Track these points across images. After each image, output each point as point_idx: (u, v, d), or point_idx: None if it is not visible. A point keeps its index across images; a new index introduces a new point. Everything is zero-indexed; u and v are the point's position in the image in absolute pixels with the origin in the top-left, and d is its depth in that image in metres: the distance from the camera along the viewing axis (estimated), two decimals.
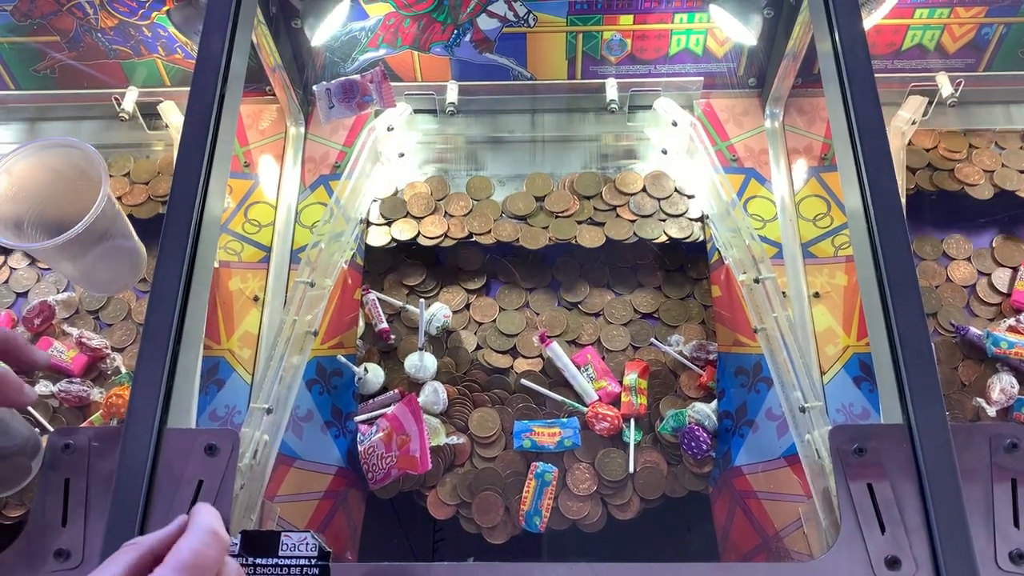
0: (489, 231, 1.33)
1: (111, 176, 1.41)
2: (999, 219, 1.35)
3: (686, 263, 1.35)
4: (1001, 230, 1.35)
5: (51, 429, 1.18)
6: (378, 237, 1.34)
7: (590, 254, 1.34)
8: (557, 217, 1.35)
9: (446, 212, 1.36)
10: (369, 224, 1.35)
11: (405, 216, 1.36)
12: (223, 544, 0.63)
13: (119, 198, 1.40)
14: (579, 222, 1.35)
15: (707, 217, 1.31)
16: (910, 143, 1.34)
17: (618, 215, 1.35)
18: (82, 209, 1.00)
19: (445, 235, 1.34)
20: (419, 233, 1.34)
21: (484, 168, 1.43)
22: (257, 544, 0.70)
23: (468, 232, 1.33)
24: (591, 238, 1.33)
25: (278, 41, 1.29)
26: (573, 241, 1.33)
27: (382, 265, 1.36)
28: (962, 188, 1.34)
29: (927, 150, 1.38)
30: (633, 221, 1.34)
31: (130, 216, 1.36)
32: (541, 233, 1.33)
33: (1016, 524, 0.72)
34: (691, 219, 1.34)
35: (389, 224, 1.35)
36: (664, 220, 1.34)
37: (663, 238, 1.32)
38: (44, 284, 1.34)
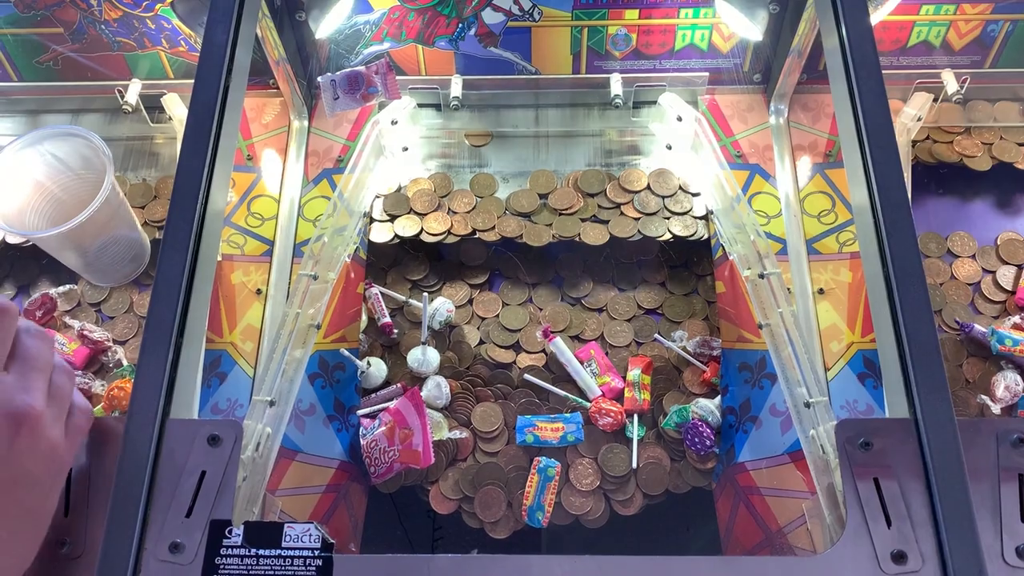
0: (493, 227, 1.33)
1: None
2: (999, 196, 1.38)
3: (690, 259, 1.35)
4: (1001, 205, 1.37)
5: None
6: (381, 233, 1.34)
7: (594, 250, 1.33)
8: (561, 214, 1.34)
9: (449, 208, 1.36)
10: (372, 220, 1.35)
11: (408, 212, 1.35)
12: (50, 340, 0.69)
13: None
14: (583, 219, 1.34)
15: (711, 213, 1.31)
16: None
17: (622, 212, 1.34)
18: (86, 198, 1.00)
19: (448, 232, 1.33)
20: (422, 230, 1.33)
21: (487, 163, 1.43)
22: (260, 535, 0.70)
23: (472, 229, 1.33)
24: (595, 235, 1.32)
25: (282, 34, 1.29)
26: (577, 238, 1.32)
27: (385, 259, 1.36)
28: (960, 160, 1.36)
29: (926, 124, 1.39)
30: (637, 219, 1.33)
31: None
32: (544, 230, 1.33)
33: (1023, 519, 0.72)
34: (696, 216, 1.33)
35: (392, 220, 1.35)
36: (668, 218, 1.33)
37: (667, 236, 1.32)
38: (46, 276, 1.34)
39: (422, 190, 1.37)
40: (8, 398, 0.63)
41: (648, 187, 1.36)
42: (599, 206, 1.35)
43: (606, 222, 1.34)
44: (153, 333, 0.83)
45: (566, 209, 1.35)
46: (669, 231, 1.32)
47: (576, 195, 1.36)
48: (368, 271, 1.34)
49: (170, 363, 0.82)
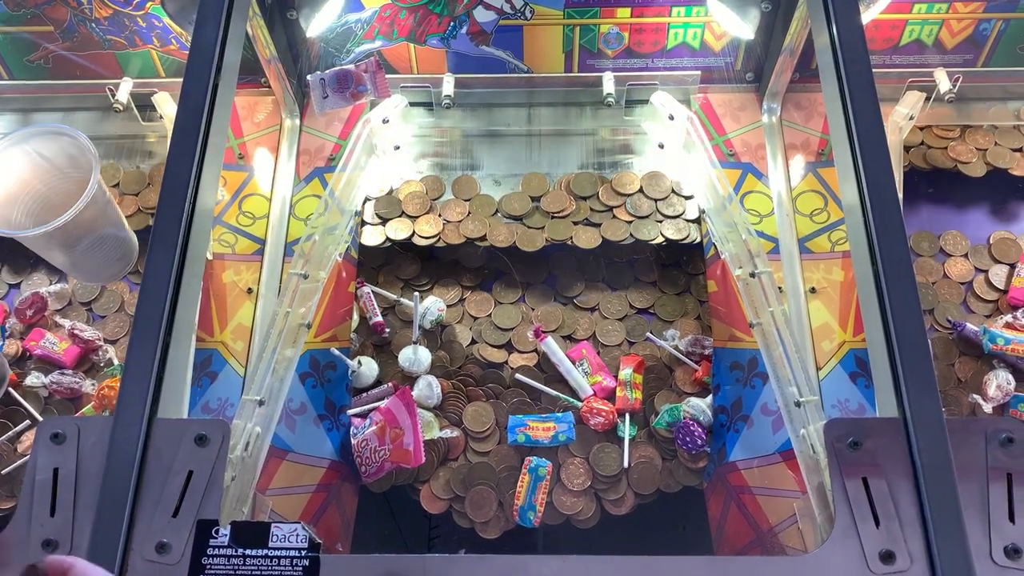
0: (484, 236, 1.32)
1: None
2: (993, 201, 1.37)
3: (682, 258, 1.35)
4: (994, 210, 1.36)
5: (42, 420, 1.17)
6: (373, 236, 1.33)
7: (586, 251, 1.33)
8: (553, 217, 1.34)
9: (441, 214, 1.34)
10: (363, 223, 1.34)
11: (400, 216, 1.35)
12: None
13: None
14: (575, 223, 1.33)
15: (703, 212, 1.31)
16: None
17: (615, 216, 1.34)
18: (73, 197, 1.00)
19: (439, 236, 1.32)
20: (414, 232, 1.33)
21: (480, 164, 1.42)
22: (247, 535, 0.70)
23: (465, 238, 1.32)
24: (587, 239, 1.31)
25: (273, 32, 1.29)
26: (569, 242, 1.32)
27: (377, 258, 1.35)
28: (955, 166, 1.35)
29: (921, 128, 1.38)
30: (630, 222, 1.33)
31: None
32: (538, 235, 1.32)
33: (1011, 519, 0.72)
34: (688, 220, 1.33)
35: (383, 223, 1.34)
36: (661, 221, 1.33)
37: (660, 239, 1.31)
38: (37, 275, 1.33)
39: (413, 193, 1.37)
40: None
41: (641, 190, 1.35)
42: (592, 209, 1.34)
43: (598, 225, 1.33)
44: (140, 332, 0.83)
45: (558, 212, 1.34)
46: (662, 234, 1.31)
47: (568, 198, 1.35)
48: (359, 270, 1.33)
49: (158, 362, 0.82)
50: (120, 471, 0.75)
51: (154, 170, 1.40)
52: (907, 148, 1.35)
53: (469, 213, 1.34)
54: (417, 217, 1.34)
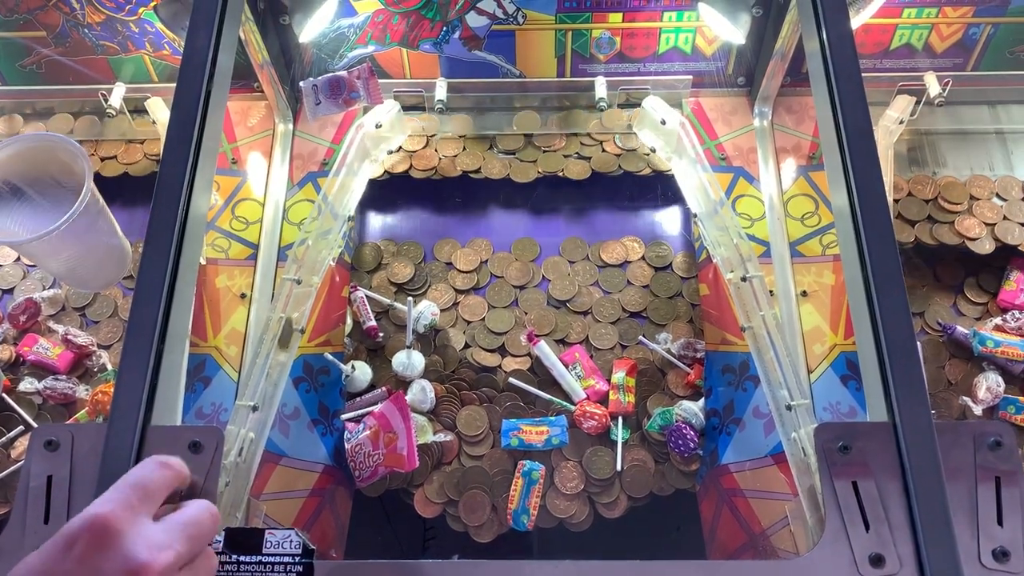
0: (479, 168, 1.40)
1: (98, 157, 1.41)
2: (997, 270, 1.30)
3: (674, 261, 1.35)
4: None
5: (35, 426, 1.17)
6: (372, 169, 1.39)
7: (578, 191, 1.40)
8: (545, 151, 1.41)
9: (437, 149, 1.42)
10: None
11: (398, 150, 1.42)
12: (216, 524, 0.63)
13: (113, 157, 1.42)
14: (566, 156, 1.41)
15: (696, 216, 1.31)
16: (909, 194, 1.33)
17: (604, 150, 1.41)
18: (66, 205, 1.00)
19: (435, 169, 1.39)
20: (411, 166, 1.40)
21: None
22: (241, 542, 0.70)
23: (461, 171, 1.39)
24: (578, 171, 1.39)
25: (266, 37, 1.29)
26: (561, 173, 1.39)
27: (370, 263, 1.36)
28: (962, 242, 1.29)
29: (926, 201, 1.32)
30: (619, 155, 1.40)
31: (124, 175, 1.39)
32: (531, 167, 1.40)
33: (1000, 522, 0.72)
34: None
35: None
36: (648, 154, 1.40)
37: (647, 171, 1.39)
38: (30, 281, 1.33)
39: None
40: (134, 550, 0.55)
41: (630, 126, 1.42)
42: (582, 143, 1.42)
43: (588, 159, 1.40)
44: (134, 339, 0.83)
45: (550, 147, 1.42)
46: (649, 166, 1.39)
47: (560, 135, 1.43)
48: (353, 274, 1.34)
49: (151, 369, 0.82)
50: (114, 478, 0.75)
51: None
52: (912, 223, 1.30)
53: (464, 148, 1.42)
54: (415, 152, 1.41)
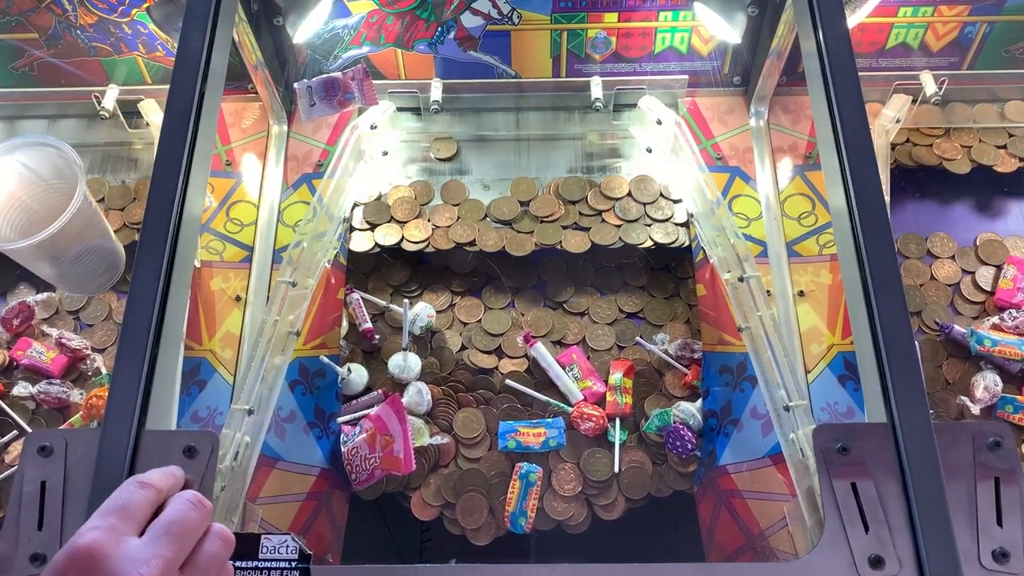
0: (473, 241, 1.32)
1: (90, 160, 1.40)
2: (978, 199, 1.38)
3: (671, 262, 1.35)
4: (979, 208, 1.37)
5: (29, 431, 1.16)
6: (362, 242, 1.33)
7: (575, 256, 1.33)
8: (542, 222, 1.34)
9: (430, 219, 1.34)
10: (352, 229, 1.34)
11: (389, 221, 1.34)
12: (206, 510, 0.63)
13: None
14: (564, 227, 1.33)
15: (692, 216, 1.31)
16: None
17: (603, 220, 1.34)
18: (59, 208, 0.99)
19: (428, 241, 1.32)
20: (403, 238, 1.33)
21: (469, 169, 1.42)
22: (237, 547, 0.69)
23: (454, 243, 1.32)
24: (577, 243, 1.32)
25: (260, 38, 1.28)
26: (559, 246, 1.32)
27: (366, 265, 1.35)
28: (940, 163, 1.36)
29: (907, 130, 1.39)
30: (619, 226, 1.33)
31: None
32: (527, 239, 1.32)
33: (999, 523, 0.72)
34: (677, 224, 1.33)
35: (372, 229, 1.34)
36: (650, 225, 1.33)
37: (648, 243, 1.32)
38: (23, 284, 1.32)
39: (402, 198, 1.36)
40: (121, 572, 0.55)
41: (629, 194, 1.36)
42: (580, 213, 1.35)
43: (587, 229, 1.33)
44: (128, 343, 0.82)
45: (547, 216, 1.34)
46: (651, 238, 1.32)
47: (557, 203, 1.35)
48: (349, 276, 1.33)
49: (146, 373, 0.81)
50: (108, 484, 0.75)
51: (139, 184, 1.39)
52: (893, 146, 1.36)
53: (458, 218, 1.34)
54: (406, 222, 1.34)
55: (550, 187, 1.38)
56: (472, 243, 1.32)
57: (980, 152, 1.37)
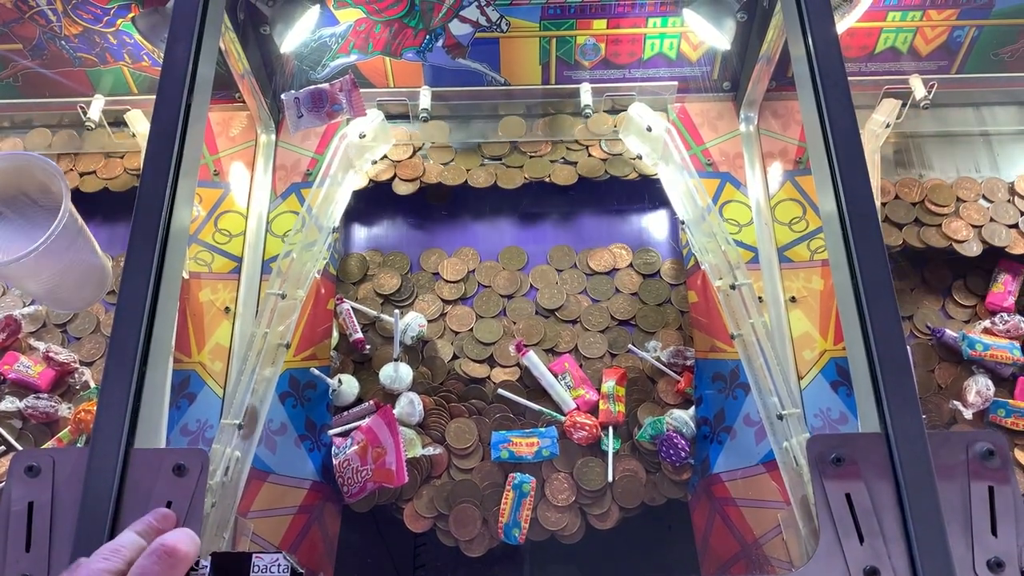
0: (465, 181, 1.39)
1: (77, 172, 1.39)
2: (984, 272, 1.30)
3: (662, 268, 1.35)
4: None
5: (18, 447, 1.15)
6: (357, 180, 1.38)
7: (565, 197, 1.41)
8: (531, 157, 1.41)
9: (426, 159, 1.41)
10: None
11: (383, 159, 1.41)
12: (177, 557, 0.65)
13: (92, 172, 1.39)
14: (552, 161, 1.40)
15: (683, 223, 1.31)
16: (896, 197, 1.32)
17: (590, 155, 1.41)
18: (44, 225, 0.98)
19: (419, 179, 1.38)
20: (395, 176, 1.39)
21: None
22: (228, 567, 0.68)
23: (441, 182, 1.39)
24: (564, 176, 1.39)
25: (247, 47, 1.27)
26: (547, 179, 1.38)
27: (356, 274, 1.35)
28: (950, 244, 1.28)
29: (913, 204, 1.32)
30: (605, 160, 1.40)
31: (104, 189, 1.37)
32: (517, 173, 1.39)
33: (994, 532, 0.72)
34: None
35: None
36: (635, 159, 1.39)
37: (633, 175, 1.38)
38: (10, 297, 1.31)
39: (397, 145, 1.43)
40: None
41: (615, 130, 1.41)
42: (568, 149, 1.42)
43: (575, 163, 1.40)
44: (115, 359, 0.81)
45: (536, 152, 1.41)
46: (635, 170, 1.39)
47: (546, 141, 1.43)
48: (339, 286, 1.32)
49: (134, 390, 0.80)
50: (97, 503, 0.74)
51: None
52: (899, 226, 1.30)
53: (452, 160, 1.42)
54: (400, 161, 1.40)
55: (538, 126, 1.44)
56: (464, 182, 1.39)
57: (991, 233, 1.29)
